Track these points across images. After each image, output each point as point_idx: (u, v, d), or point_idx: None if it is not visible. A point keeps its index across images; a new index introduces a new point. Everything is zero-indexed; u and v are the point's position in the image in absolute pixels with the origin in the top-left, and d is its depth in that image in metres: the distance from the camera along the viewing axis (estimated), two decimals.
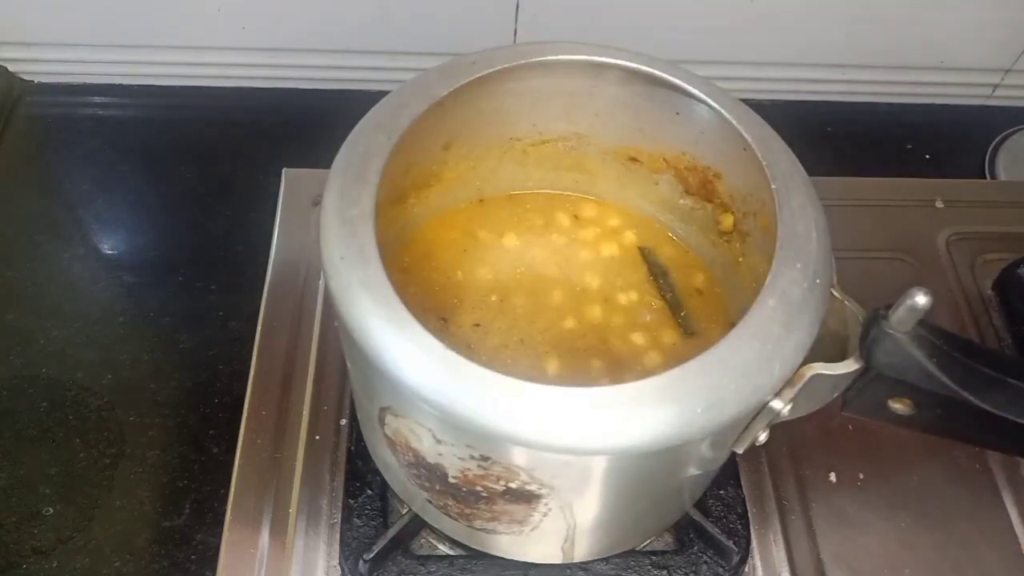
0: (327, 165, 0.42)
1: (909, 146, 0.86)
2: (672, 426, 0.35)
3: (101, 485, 0.60)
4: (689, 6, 0.79)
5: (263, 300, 0.66)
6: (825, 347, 0.39)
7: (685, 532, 0.56)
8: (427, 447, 0.41)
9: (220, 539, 0.55)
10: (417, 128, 0.43)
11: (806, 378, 0.38)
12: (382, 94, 0.45)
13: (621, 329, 0.51)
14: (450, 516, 0.48)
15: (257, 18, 0.80)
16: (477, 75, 0.45)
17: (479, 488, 0.42)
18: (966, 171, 0.85)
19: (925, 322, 0.37)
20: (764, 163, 0.42)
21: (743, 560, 0.55)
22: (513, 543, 0.50)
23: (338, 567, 0.54)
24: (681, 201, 0.54)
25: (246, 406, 0.60)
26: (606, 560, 0.54)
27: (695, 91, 0.45)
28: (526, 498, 0.42)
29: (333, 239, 0.39)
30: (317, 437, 0.59)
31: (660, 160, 0.53)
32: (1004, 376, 0.38)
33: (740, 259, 0.51)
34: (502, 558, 0.53)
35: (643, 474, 0.42)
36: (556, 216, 0.56)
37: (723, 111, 0.45)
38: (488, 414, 0.35)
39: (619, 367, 0.50)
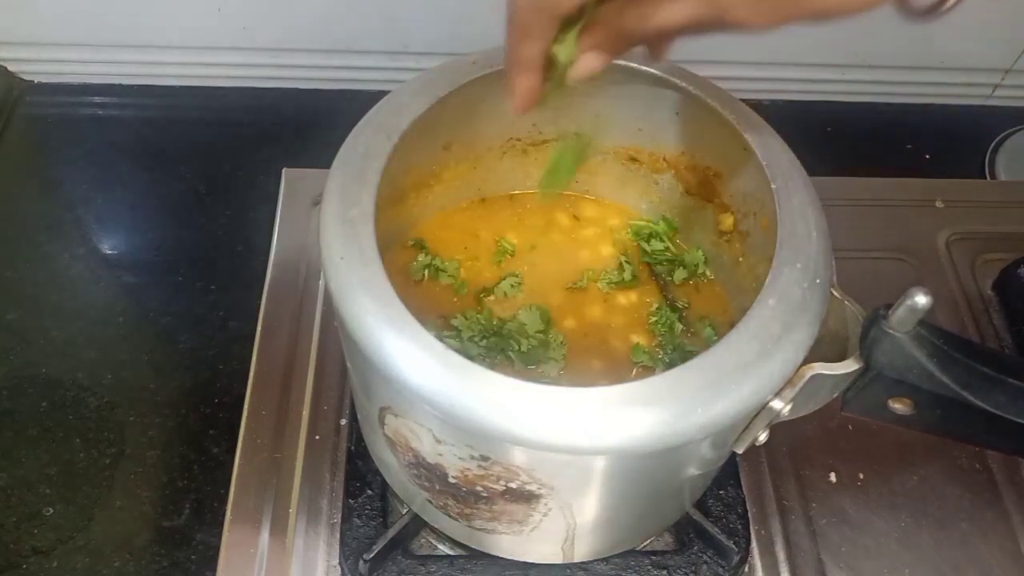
0: (327, 165, 0.42)
1: (909, 146, 0.86)
2: (672, 426, 0.35)
3: (101, 485, 0.60)
4: None
5: (263, 300, 0.66)
6: (825, 347, 0.40)
7: (685, 532, 0.56)
8: (427, 447, 0.41)
9: (220, 539, 0.55)
10: (417, 128, 0.44)
11: (806, 378, 0.38)
12: (382, 94, 0.45)
13: (621, 329, 0.51)
14: (450, 516, 0.48)
15: (258, 18, 0.80)
16: (477, 75, 0.45)
17: (479, 488, 0.42)
18: (966, 171, 0.85)
19: (925, 322, 0.37)
20: (764, 163, 0.43)
21: (743, 560, 0.55)
22: (513, 543, 0.50)
23: (338, 567, 0.54)
24: (681, 201, 0.54)
25: (246, 406, 0.60)
26: (606, 560, 0.54)
27: (695, 91, 0.45)
28: (526, 498, 0.42)
29: (333, 239, 0.39)
30: (317, 437, 0.59)
31: (660, 160, 0.53)
32: (1004, 376, 0.38)
33: (740, 259, 0.51)
34: (502, 558, 0.53)
35: (643, 474, 0.43)
36: (556, 216, 0.56)
37: (723, 111, 0.45)
38: (488, 414, 0.35)
39: (619, 367, 0.50)
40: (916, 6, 0.34)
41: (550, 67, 0.38)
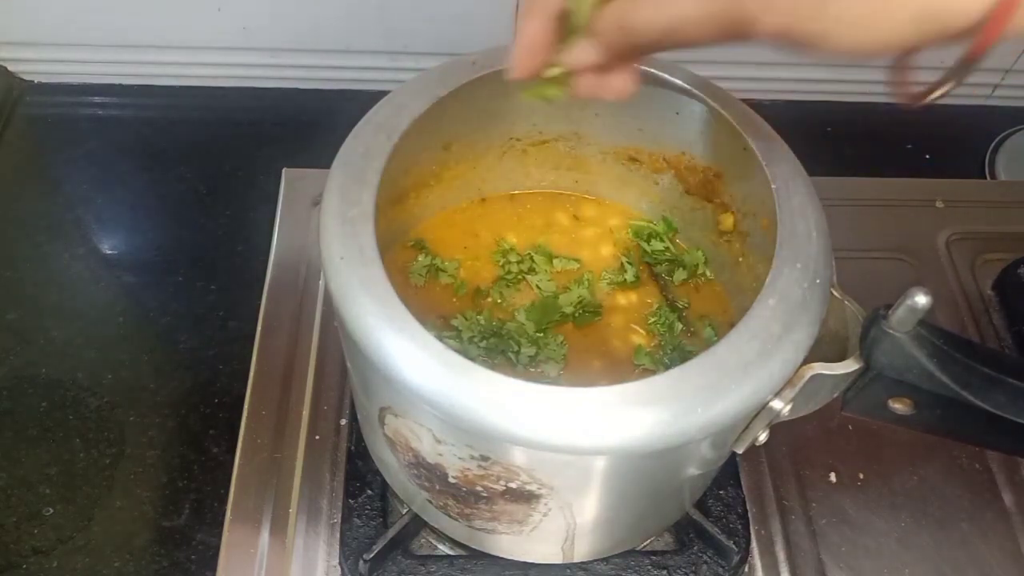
0: (327, 165, 0.42)
1: (909, 146, 0.86)
2: (672, 426, 0.35)
3: (101, 485, 0.60)
4: None
5: (263, 300, 0.66)
6: (825, 347, 0.40)
7: (685, 532, 0.56)
8: (427, 447, 0.41)
9: (220, 539, 0.55)
10: (417, 128, 0.44)
11: (806, 378, 0.38)
12: (382, 94, 0.45)
13: (621, 329, 0.51)
14: (450, 516, 0.48)
15: (257, 18, 0.80)
16: (477, 75, 0.45)
17: (479, 488, 0.42)
18: (966, 171, 0.85)
19: (925, 322, 0.37)
20: (764, 163, 0.43)
21: (743, 560, 0.55)
22: (513, 543, 0.50)
23: (338, 567, 0.54)
24: (681, 201, 0.54)
25: (246, 406, 0.60)
26: (606, 560, 0.54)
27: (695, 91, 0.45)
28: (526, 498, 0.42)
29: (333, 239, 0.39)
30: (317, 437, 0.59)
31: (660, 160, 0.53)
32: (1004, 376, 0.38)
33: (740, 259, 0.51)
34: (502, 558, 0.53)
35: (643, 474, 0.43)
36: (556, 216, 0.56)
37: (723, 111, 0.45)
38: (488, 414, 0.35)
39: (619, 367, 0.50)
40: (908, 92, 0.34)
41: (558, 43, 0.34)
